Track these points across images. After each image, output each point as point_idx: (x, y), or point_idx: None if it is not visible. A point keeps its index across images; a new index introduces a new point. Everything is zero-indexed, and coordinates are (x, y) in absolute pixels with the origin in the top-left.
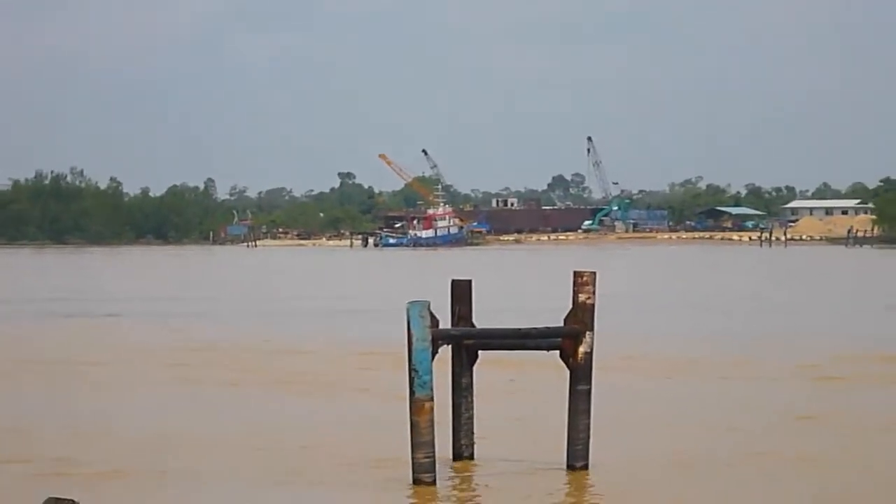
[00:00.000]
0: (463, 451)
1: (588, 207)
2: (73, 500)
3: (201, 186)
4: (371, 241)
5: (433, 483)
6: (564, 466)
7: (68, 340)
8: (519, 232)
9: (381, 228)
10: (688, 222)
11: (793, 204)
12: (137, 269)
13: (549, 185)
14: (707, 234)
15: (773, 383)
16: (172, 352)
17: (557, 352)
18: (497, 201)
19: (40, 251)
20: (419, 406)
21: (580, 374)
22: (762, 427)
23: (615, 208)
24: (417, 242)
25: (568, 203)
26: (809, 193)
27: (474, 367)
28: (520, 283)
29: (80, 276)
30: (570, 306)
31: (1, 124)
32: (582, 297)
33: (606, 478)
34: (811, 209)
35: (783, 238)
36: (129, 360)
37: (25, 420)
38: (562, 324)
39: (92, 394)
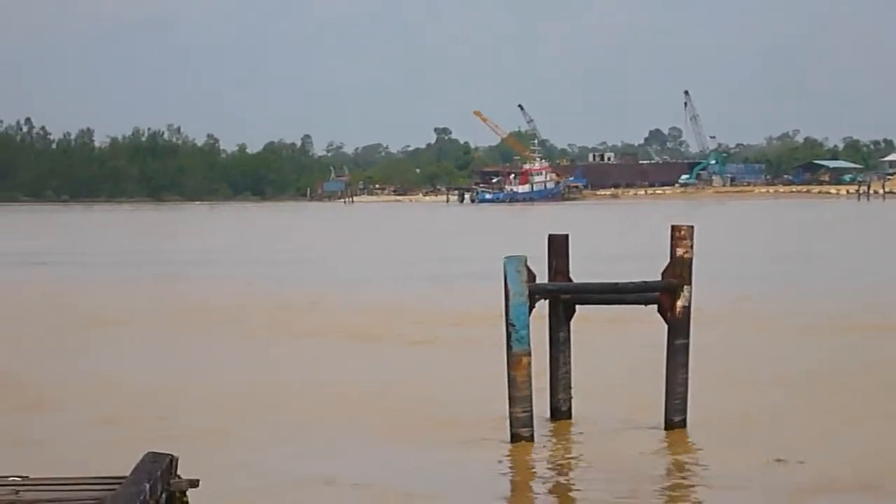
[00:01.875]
0: (560, 405)
1: (685, 161)
2: (171, 455)
3: (298, 143)
4: (467, 196)
5: (531, 439)
6: (662, 422)
7: (171, 298)
8: (616, 187)
9: (477, 184)
10: (785, 176)
11: (891, 157)
12: (234, 226)
13: (645, 139)
14: (804, 188)
15: (872, 337)
16: (272, 309)
17: (655, 306)
18: (593, 156)
19: (138, 208)
20: (516, 360)
21: (678, 329)
22: (860, 382)
23: (712, 162)
24: (514, 198)
25: (665, 157)
26: None
27: (571, 322)
28: (617, 237)
29: (176, 233)
30: (668, 260)
31: (100, 82)
32: (679, 251)
33: (704, 434)
34: None
35: (881, 192)
36: (227, 317)
37: (120, 378)
38: (659, 278)
39: (192, 351)
